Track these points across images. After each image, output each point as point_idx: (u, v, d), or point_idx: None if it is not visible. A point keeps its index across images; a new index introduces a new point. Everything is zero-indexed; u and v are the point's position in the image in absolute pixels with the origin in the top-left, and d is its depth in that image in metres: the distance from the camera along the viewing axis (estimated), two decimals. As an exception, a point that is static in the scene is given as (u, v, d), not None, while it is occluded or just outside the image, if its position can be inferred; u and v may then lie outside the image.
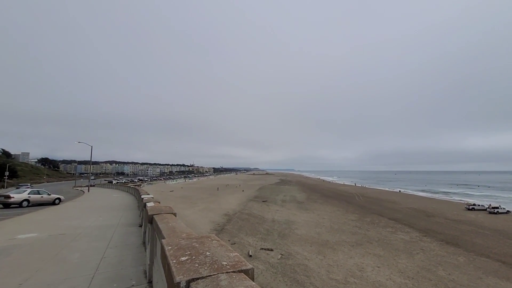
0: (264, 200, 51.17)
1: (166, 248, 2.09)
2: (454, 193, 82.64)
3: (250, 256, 18.03)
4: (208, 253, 1.96)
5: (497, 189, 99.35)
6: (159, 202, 8.92)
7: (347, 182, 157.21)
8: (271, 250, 19.73)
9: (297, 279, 14.75)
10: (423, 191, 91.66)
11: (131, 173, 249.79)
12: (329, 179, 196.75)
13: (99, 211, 16.53)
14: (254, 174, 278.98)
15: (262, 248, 19.96)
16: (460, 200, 62.99)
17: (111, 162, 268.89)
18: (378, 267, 17.30)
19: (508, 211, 41.54)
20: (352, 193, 74.51)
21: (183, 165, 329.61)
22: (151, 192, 22.04)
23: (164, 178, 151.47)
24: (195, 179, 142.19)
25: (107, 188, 60.84)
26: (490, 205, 44.42)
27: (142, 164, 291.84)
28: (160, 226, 3.67)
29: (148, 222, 5.32)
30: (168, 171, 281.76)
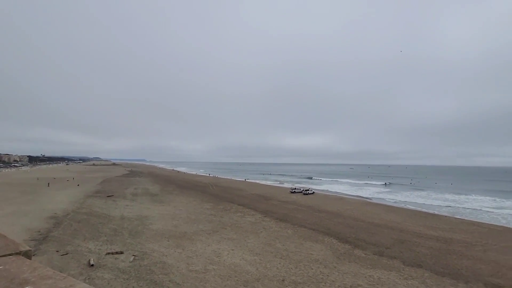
0: (110, 195, 43.65)
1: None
2: (285, 181, 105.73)
3: (92, 265, 14.56)
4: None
5: (302, 177, 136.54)
6: None
7: (200, 172, 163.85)
8: (121, 252, 16.88)
9: (154, 280, 13.36)
10: (261, 179, 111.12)
11: None
12: (183, 169, 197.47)
13: None
14: (94, 164, 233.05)
15: (108, 253, 16.66)
16: (278, 184, 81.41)
17: None
18: (233, 249, 18.87)
19: (314, 192, 57.79)
20: (206, 183, 78.27)
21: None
22: None
23: None
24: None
25: None
26: (303, 188, 60.20)
27: None
28: None
29: None
30: None
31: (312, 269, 15.82)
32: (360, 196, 57.86)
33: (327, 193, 61.86)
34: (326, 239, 22.67)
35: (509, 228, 30.30)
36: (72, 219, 25.58)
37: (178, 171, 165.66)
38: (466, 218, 35.39)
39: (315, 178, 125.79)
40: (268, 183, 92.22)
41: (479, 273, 16.17)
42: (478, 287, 14.19)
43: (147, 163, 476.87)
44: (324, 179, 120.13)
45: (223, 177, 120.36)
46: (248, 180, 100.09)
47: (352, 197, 55.62)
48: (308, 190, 57.47)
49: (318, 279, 14.40)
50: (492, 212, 41.85)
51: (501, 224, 32.48)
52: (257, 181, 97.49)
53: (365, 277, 14.96)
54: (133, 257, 16.25)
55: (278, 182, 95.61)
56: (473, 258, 18.81)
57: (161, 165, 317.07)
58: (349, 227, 27.27)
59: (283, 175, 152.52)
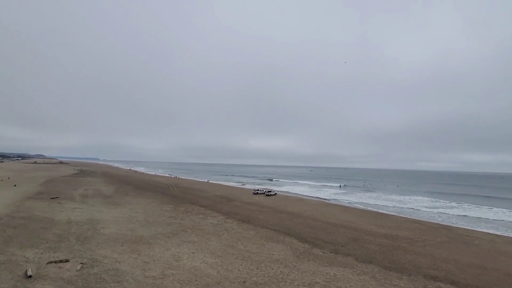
0: (54, 196, 39.26)
1: None
2: (248, 182, 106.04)
3: (30, 276, 12.89)
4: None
5: (265, 178, 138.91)
6: None
7: (161, 172, 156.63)
8: (66, 261, 15.25)
9: (105, 289, 12.30)
10: (224, 180, 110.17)
11: None
12: (142, 169, 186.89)
13: None
14: (36, 162, 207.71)
15: (51, 262, 14.92)
16: (241, 185, 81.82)
17: None
18: (193, 253, 18.30)
19: (276, 193, 59.02)
20: (167, 184, 75.05)
21: None
22: None
23: None
24: None
25: None
26: (266, 189, 61.15)
27: None
28: None
29: None
30: None
31: (273, 269, 16.08)
32: (319, 197, 60.72)
33: (289, 194, 63.72)
34: (287, 239, 23.27)
35: (444, 225, 34.39)
36: (5, 224, 22.40)
37: (136, 171, 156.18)
38: (409, 217, 39.31)
39: (277, 179, 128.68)
40: (231, 184, 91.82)
41: (419, 266, 18.04)
42: (418, 279, 15.80)
43: (101, 162, 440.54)
44: (286, 180, 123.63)
45: (185, 177, 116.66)
46: (211, 181, 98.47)
47: (312, 198, 58.10)
48: (270, 191, 58.54)
49: (278, 279, 14.67)
50: (431, 211, 47.14)
51: (437, 222, 36.73)
52: (220, 182, 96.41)
53: (323, 274, 15.66)
54: (80, 265, 14.78)
55: (241, 184, 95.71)
56: (415, 253, 20.94)
57: (116, 165, 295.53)
58: (309, 227, 28.39)
59: (246, 176, 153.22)
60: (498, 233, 31.41)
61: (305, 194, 67.69)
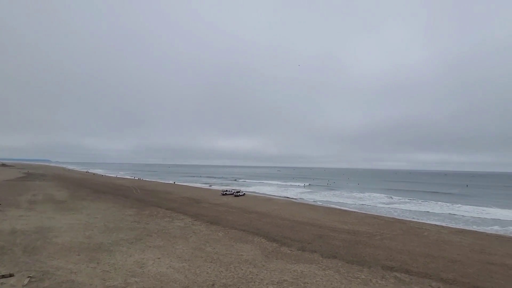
0: (-5, 203, 34.75)
1: None
2: (214, 183, 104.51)
3: (-37, 296, 11.23)
4: None
5: (233, 179, 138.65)
6: None
7: (122, 175, 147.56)
8: (10, 275, 13.58)
9: (58, 303, 11.19)
10: (192, 181, 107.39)
11: None
12: (101, 172, 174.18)
13: None
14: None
15: (-9, 277, 13.15)
16: (209, 186, 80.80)
17: None
18: (159, 258, 17.50)
19: (244, 193, 59.11)
20: (129, 186, 70.93)
21: None
22: None
23: None
24: None
25: None
26: (234, 190, 60.94)
27: None
28: None
29: None
30: None
31: (242, 270, 16.05)
32: (286, 197, 62.21)
33: (257, 194, 64.29)
34: (256, 239, 23.42)
35: (398, 219, 37.46)
36: None
37: (94, 174, 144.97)
38: (369, 213, 42.14)
39: (245, 180, 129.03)
40: (199, 185, 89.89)
41: (378, 258, 19.41)
42: (377, 270, 16.99)
43: (52, 164, 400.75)
44: (254, 181, 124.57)
45: (149, 179, 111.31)
46: (177, 183, 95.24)
47: (279, 198, 59.31)
48: (239, 192, 58.50)
49: (248, 279, 14.68)
50: (387, 207, 51.04)
51: (393, 216, 39.90)
52: (188, 184, 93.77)
53: (290, 272, 16.05)
54: (28, 279, 13.27)
55: (209, 185, 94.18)
56: (374, 246, 22.49)
57: (71, 167, 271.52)
58: (277, 226, 28.91)
59: (214, 177, 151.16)
60: (444, 224, 35.13)
61: (273, 193, 68.85)
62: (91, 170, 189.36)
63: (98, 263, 16.13)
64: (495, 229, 33.54)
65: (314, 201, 56.48)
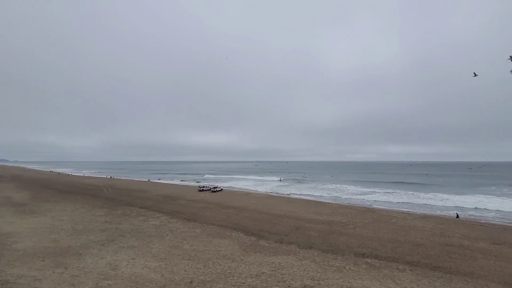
0: None
1: None
2: (192, 179, 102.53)
3: None
4: None
5: (210, 174, 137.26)
6: None
7: (91, 173, 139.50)
8: (-37, 287, 12.31)
9: (21, 313, 10.37)
10: (167, 178, 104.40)
11: None
12: (68, 171, 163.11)
13: None
14: None
15: None
16: (186, 182, 79.40)
17: None
18: (133, 258, 16.87)
19: (222, 189, 58.72)
20: (99, 185, 67.31)
21: None
22: None
23: None
24: None
25: None
26: (212, 185, 60.30)
27: None
28: None
29: None
30: None
31: (220, 265, 16.01)
32: (264, 191, 62.87)
33: (234, 189, 64.21)
34: (234, 234, 23.45)
35: (369, 208, 39.56)
36: None
37: (59, 173, 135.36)
38: (342, 203, 43.98)
39: (223, 175, 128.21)
40: (175, 182, 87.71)
41: (351, 246, 20.40)
42: (350, 257, 17.85)
43: (10, 164, 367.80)
44: (231, 176, 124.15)
45: (121, 178, 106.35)
46: (152, 180, 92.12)
47: (257, 192, 59.79)
48: (216, 187, 58.01)
49: (226, 274, 14.68)
50: (359, 197, 53.62)
51: (365, 206, 42.04)
52: (163, 181, 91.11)
53: (268, 264, 16.31)
54: (-16, 290, 12.13)
55: (186, 181, 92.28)
56: (347, 235, 23.57)
57: (32, 166, 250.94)
58: (254, 220, 29.16)
59: (190, 173, 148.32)
60: (409, 211, 37.74)
61: (250, 188, 69.19)
62: (55, 170, 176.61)
63: (66, 268, 15.17)
64: (452, 214, 36.73)
65: (289, 194, 57.72)
